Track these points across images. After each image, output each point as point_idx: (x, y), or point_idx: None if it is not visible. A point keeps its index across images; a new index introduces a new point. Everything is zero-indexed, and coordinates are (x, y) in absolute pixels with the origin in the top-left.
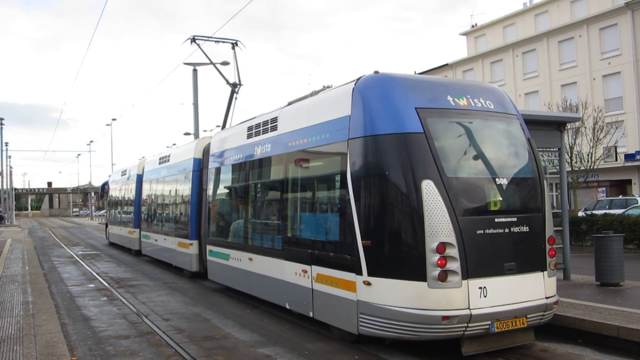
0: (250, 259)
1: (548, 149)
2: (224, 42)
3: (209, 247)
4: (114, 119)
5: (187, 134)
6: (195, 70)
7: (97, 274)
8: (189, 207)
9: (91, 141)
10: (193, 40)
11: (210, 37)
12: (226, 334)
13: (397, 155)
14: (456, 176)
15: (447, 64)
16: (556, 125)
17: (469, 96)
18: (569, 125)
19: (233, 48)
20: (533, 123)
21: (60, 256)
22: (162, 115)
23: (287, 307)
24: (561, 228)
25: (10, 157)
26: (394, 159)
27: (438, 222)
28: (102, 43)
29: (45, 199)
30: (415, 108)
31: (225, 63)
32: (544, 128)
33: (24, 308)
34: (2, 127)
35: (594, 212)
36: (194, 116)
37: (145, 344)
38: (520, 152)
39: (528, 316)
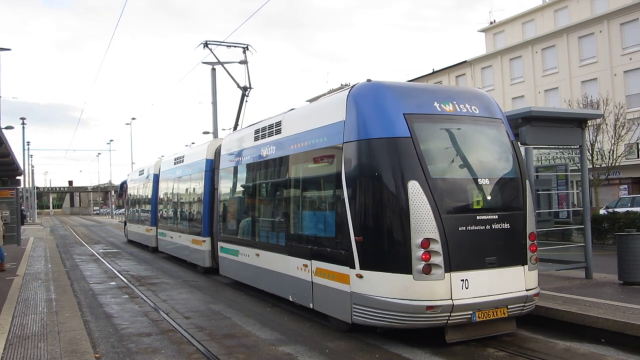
0: (258, 255)
1: (569, 147)
2: (235, 46)
3: (220, 244)
4: (133, 118)
5: (206, 132)
6: (213, 70)
7: (118, 271)
8: (202, 206)
9: (111, 140)
10: (206, 45)
11: (222, 42)
12: (247, 332)
13: (386, 158)
14: (440, 177)
15: (465, 61)
16: (577, 122)
17: (455, 102)
18: (590, 122)
19: (244, 52)
20: (553, 120)
21: (82, 254)
22: (181, 114)
23: (290, 299)
24: (583, 226)
25: (32, 156)
26: (383, 162)
27: (423, 220)
28: (122, 42)
29: (67, 198)
30: (404, 114)
31: (243, 62)
32: (565, 125)
33: (48, 305)
34: (24, 127)
35: (615, 210)
36: (212, 115)
37: (167, 342)
38: (504, 155)
39: (509, 307)
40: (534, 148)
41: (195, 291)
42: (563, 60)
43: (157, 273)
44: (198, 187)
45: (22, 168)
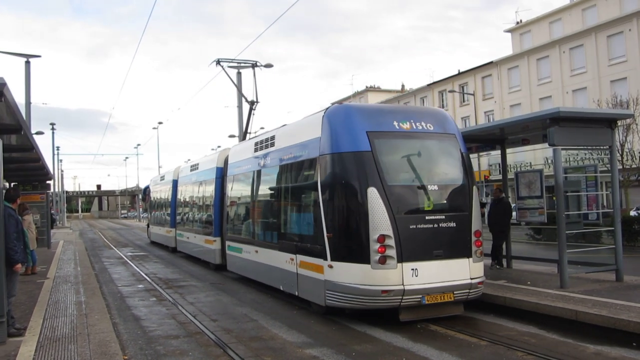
0: (257, 252)
1: (598, 147)
2: (245, 63)
3: (227, 243)
4: (160, 123)
5: (231, 136)
6: (239, 74)
7: (146, 274)
8: (213, 209)
9: (138, 144)
10: (218, 62)
11: (233, 60)
12: (273, 334)
13: (351, 168)
14: (395, 184)
15: (491, 62)
16: (606, 122)
17: (412, 120)
18: (619, 122)
19: (253, 68)
20: (582, 121)
21: (110, 257)
22: (208, 117)
23: (281, 288)
24: (613, 228)
25: (61, 160)
26: (348, 171)
27: (379, 219)
28: (150, 48)
29: (95, 201)
30: (366, 131)
31: (268, 65)
32: (594, 126)
33: (77, 308)
34: (53, 132)
35: None
36: (238, 119)
37: (194, 344)
38: (453, 164)
39: (455, 292)
40: (563, 149)
41: (221, 294)
42: (591, 60)
43: (184, 276)
44: (210, 191)
45: (51, 173)
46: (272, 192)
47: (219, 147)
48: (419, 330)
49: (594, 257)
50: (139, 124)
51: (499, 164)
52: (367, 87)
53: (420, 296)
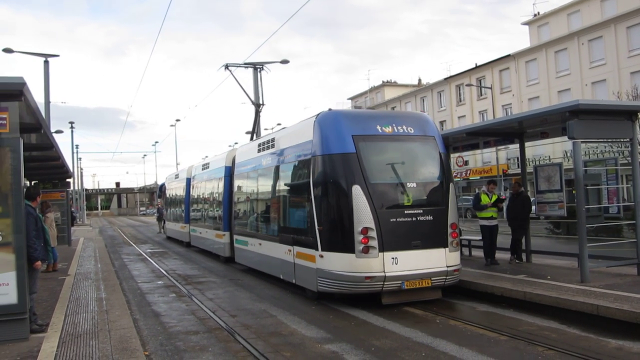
0: (260, 244)
1: (618, 140)
2: (252, 66)
3: (235, 237)
4: (177, 120)
5: (248, 132)
6: (255, 69)
7: (165, 271)
8: (222, 205)
9: (156, 142)
10: (226, 67)
11: (240, 64)
12: (292, 330)
13: (338, 168)
14: (377, 182)
15: (509, 55)
16: (627, 114)
17: (394, 124)
18: None
19: (259, 72)
20: (602, 113)
21: (130, 254)
22: (225, 114)
23: (281, 277)
24: (634, 222)
25: (80, 159)
26: (336, 171)
27: (362, 213)
28: (166, 47)
29: (114, 199)
30: (352, 135)
31: (285, 61)
32: (614, 118)
33: (98, 304)
34: (72, 130)
35: None
36: (254, 115)
37: (214, 340)
38: (431, 164)
39: (432, 279)
40: (582, 142)
41: (240, 290)
42: (611, 52)
43: (203, 272)
44: (219, 189)
45: (71, 171)
46: (273, 189)
47: (235, 143)
48: (438, 325)
49: (614, 251)
50: (157, 122)
51: (518, 158)
52: (383, 81)
53: (400, 282)
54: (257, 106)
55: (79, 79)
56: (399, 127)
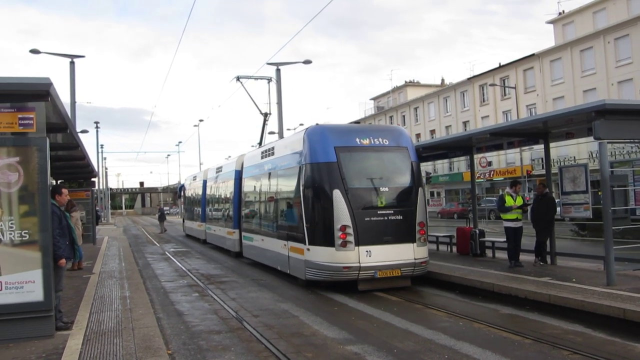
0: (262, 240)
1: None
2: (261, 79)
3: (243, 233)
4: (201, 120)
5: (271, 132)
6: (278, 70)
7: (189, 270)
8: (232, 205)
9: (180, 142)
10: (237, 79)
11: (251, 76)
12: (314, 330)
13: (322, 175)
14: (354, 187)
15: (533, 54)
16: None
17: (371, 137)
18: None
19: (268, 83)
20: (629, 113)
21: (154, 253)
22: (248, 114)
23: (279, 268)
24: None
25: (105, 158)
26: (320, 177)
27: (341, 213)
28: (191, 48)
29: (138, 198)
30: (334, 146)
31: (307, 62)
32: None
33: (122, 302)
34: (97, 130)
35: None
36: (278, 115)
37: (236, 339)
38: (402, 171)
39: (402, 269)
40: (608, 142)
41: (263, 290)
42: (637, 50)
43: (226, 272)
44: (230, 190)
45: (96, 170)
46: (272, 191)
47: (258, 144)
48: (461, 327)
49: None
50: (181, 122)
51: (542, 159)
52: (406, 82)
53: (373, 271)
54: (265, 115)
55: (105, 79)
56: (375, 140)
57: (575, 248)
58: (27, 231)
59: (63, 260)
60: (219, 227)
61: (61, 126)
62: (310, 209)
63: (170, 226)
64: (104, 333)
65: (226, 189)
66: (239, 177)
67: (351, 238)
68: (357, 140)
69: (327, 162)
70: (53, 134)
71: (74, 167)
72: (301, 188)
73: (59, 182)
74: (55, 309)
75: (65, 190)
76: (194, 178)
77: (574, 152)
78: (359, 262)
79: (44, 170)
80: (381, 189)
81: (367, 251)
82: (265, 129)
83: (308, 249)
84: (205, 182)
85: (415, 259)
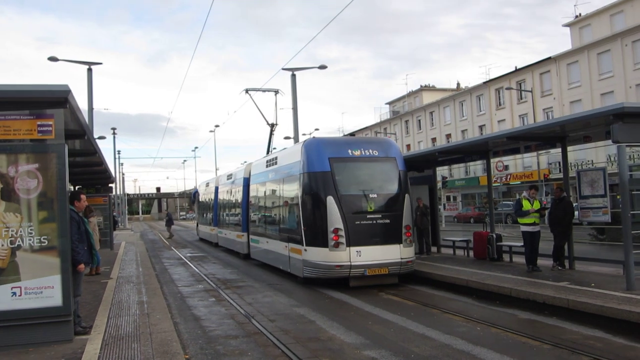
0: (267, 242)
1: None
2: (269, 91)
3: (250, 236)
4: (217, 126)
5: (287, 137)
6: (293, 75)
7: (205, 275)
8: (241, 210)
9: (196, 147)
10: (246, 91)
11: (259, 89)
12: (331, 335)
13: (317, 183)
14: (346, 194)
15: (549, 58)
16: None
17: (362, 148)
18: None
19: (275, 95)
20: None
21: (170, 258)
22: (262, 120)
23: (281, 268)
24: None
25: (122, 164)
26: (316, 185)
27: (334, 217)
28: (206, 53)
29: (155, 204)
30: (328, 157)
31: (322, 67)
32: None
33: (140, 307)
34: (114, 136)
35: None
36: (293, 120)
37: (253, 344)
38: (390, 179)
39: (389, 267)
40: (627, 146)
41: (279, 294)
42: None
43: (242, 277)
44: (239, 196)
45: (113, 176)
46: (275, 197)
47: (274, 148)
48: (479, 332)
49: None
50: (197, 128)
51: (559, 162)
52: (421, 86)
53: (363, 270)
54: (272, 126)
55: (122, 86)
56: (365, 151)
57: (594, 252)
58: (46, 237)
59: (82, 266)
60: (229, 231)
61: (79, 133)
62: (307, 214)
63: (186, 231)
64: (122, 338)
65: (235, 195)
66: (247, 184)
67: (343, 239)
68: (349, 151)
69: (321, 172)
70: (71, 141)
71: (91, 173)
72: (299, 194)
73: (77, 188)
74: (74, 313)
75: (83, 196)
76: (207, 184)
77: (591, 155)
78: (350, 261)
79: (63, 176)
80: (371, 195)
81: (357, 251)
82: (272, 139)
83: (305, 250)
84: (217, 189)
85: (401, 258)
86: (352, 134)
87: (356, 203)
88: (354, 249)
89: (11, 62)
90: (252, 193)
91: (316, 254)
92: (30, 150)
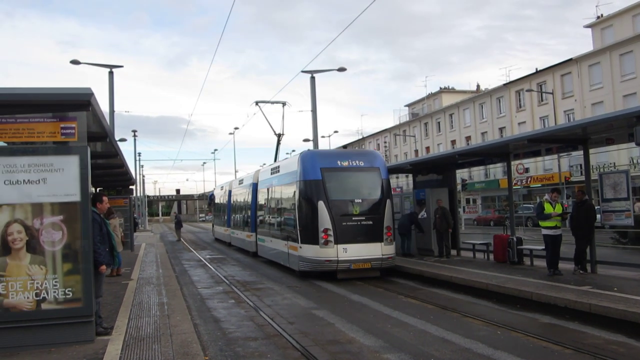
0: (271, 241)
1: None
2: (277, 103)
3: (257, 236)
4: (236, 128)
5: (306, 140)
6: (312, 78)
7: (224, 277)
8: (250, 212)
9: (215, 149)
10: (256, 103)
11: (268, 101)
12: (350, 338)
13: (311, 190)
14: (335, 199)
15: (571, 59)
16: None
17: (349, 160)
18: None
19: (283, 107)
20: None
21: (190, 260)
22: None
23: (281, 263)
24: None
25: (142, 166)
26: (309, 191)
27: (324, 219)
28: (226, 56)
29: (174, 205)
30: (320, 167)
31: (342, 69)
32: None
33: (160, 309)
34: (135, 139)
35: None
36: (312, 123)
37: (273, 346)
38: (374, 186)
39: (372, 263)
40: None
41: (298, 297)
42: None
43: (261, 279)
44: (249, 199)
45: (134, 178)
46: (277, 201)
47: (293, 151)
48: (499, 336)
49: None
50: (216, 130)
51: (580, 165)
52: (441, 88)
53: (349, 264)
54: (279, 136)
55: (143, 88)
56: (352, 162)
57: (616, 256)
58: (70, 289)
59: (103, 267)
60: (240, 231)
61: (101, 135)
62: (302, 216)
63: (205, 233)
64: (143, 339)
65: (246, 198)
66: (255, 189)
67: (331, 238)
68: (338, 162)
69: (314, 180)
70: (93, 143)
71: (112, 175)
72: (296, 199)
73: (98, 189)
74: (96, 314)
75: (105, 198)
76: (221, 188)
77: (613, 158)
78: (338, 257)
79: (85, 178)
80: (356, 200)
81: (344, 248)
82: (279, 148)
83: (300, 247)
84: (230, 192)
85: (382, 255)
86: (344, 147)
87: (343, 207)
88: (341, 246)
89: (33, 66)
90: (259, 197)
91: (309, 251)
92: (53, 153)
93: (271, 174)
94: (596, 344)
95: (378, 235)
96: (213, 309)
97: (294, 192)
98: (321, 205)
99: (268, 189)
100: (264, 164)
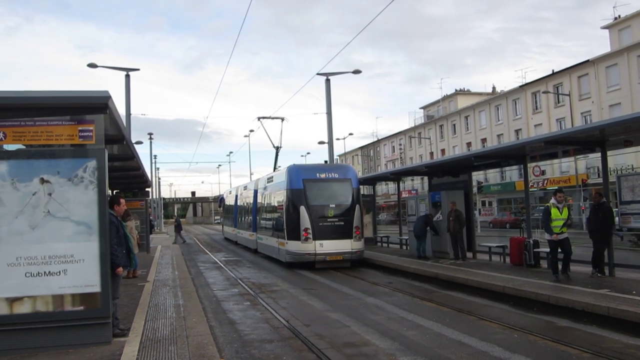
0: (267, 238)
1: None
2: (277, 118)
3: (257, 234)
4: (251, 131)
5: (321, 142)
6: (328, 81)
7: (240, 279)
8: (252, 214)
9: (231, 152)
10: (259, 119)
11: (269, 116)
12: (366, 340)
13: (295, 196)
14: (314, 204)
15: (588, 61)
16: None
17: (326, 172)
18: None
19: (281, 122)
20: None
21: (205, 262)
22: (298, 124)
23: (273, 256)
24: None
25: (158, 168)
26: (294, 197)
27: (305, 220)
28: (242, 59)
29: (190, 208)
30: (302, 179)
31: (357, 72)
32: None
33: (176, 310)
34: (151, 142)
35: None
36: (327, 125)
37: (288, 349)
38: (346, 194)
39: (343, 255)
40: None
41: (313, 299)
42: None
43: (276, 281)
44: (251, 203)
45: (150, 180)
46: (271, 204)
47: (308, 153)
48: (516, 339)
49: None
50: (231, 132)
51: (597, 167)
52: (456, 90)
53: (324, 256)
54: (277, 149)
55: (159, 91)
56: (329, 174)
57: (634, 259)
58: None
59: (120, 269)
60: (244, 231)
61: (118, 137)
62: (288, 218)
63: (221, 236)
64: (159, 340)
65: (249, 202)
66: (256, 194)
67: (311, 235)
68: (317, 174)
69: (297, 188)
70: (110, 145)
71: (129, 177)
72: (284, 204)
73: (114, 192)
74: (113, 316)
75: (122, 200)
76: (230, 192)
77: (631, 160)
78: (315, 251)
79: (102, 180)
80: (331, 205)
81: (320, 244)
82: (278, 159)
83: (286, 243)
84: (236, 197)
85: (352, 249)
86: (325, 162)
87: (320, 210)
88: (318, 242)
89: (52, 69)
90: (258, 200)
91: (293, 246)
92: (71, 155)
93: (267, 182)
94: (615, 348)
95: (348, 233)
96: (229, 311)
97: (283, 198)
98: (302, 209)
99: (264, 195)
100: (279, 166)
